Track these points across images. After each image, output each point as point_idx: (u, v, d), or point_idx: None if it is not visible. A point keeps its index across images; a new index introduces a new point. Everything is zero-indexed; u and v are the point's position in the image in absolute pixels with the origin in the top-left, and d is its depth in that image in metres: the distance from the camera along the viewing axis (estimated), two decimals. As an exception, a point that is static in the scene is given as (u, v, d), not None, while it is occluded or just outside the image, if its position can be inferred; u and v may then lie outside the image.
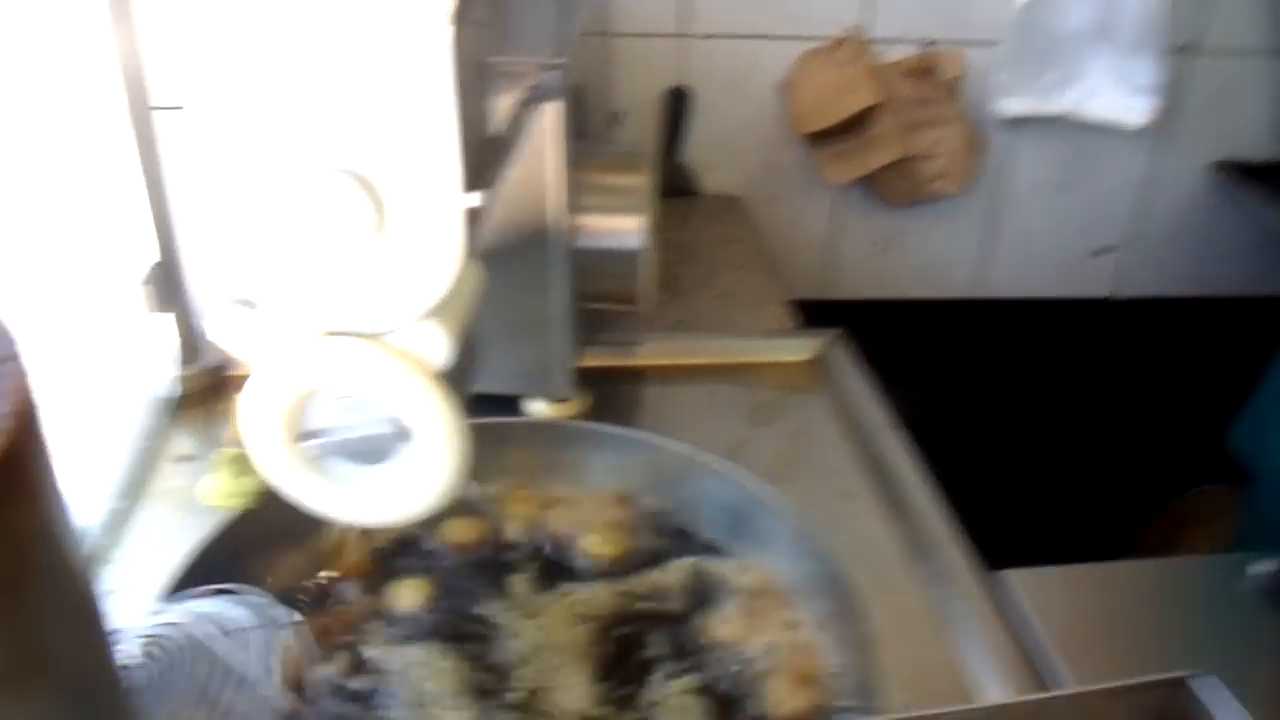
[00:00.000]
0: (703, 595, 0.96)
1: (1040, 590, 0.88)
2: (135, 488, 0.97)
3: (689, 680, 0.87)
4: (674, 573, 0.98)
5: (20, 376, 0.24)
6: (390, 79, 0.61)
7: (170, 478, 0.99)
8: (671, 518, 1.05)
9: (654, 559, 1.00)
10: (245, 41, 0.62)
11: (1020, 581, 0.89)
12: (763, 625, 0.93)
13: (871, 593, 0.88)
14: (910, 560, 0.93)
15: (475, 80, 0.69)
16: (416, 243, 0.65)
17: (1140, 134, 1.62)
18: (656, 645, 0.90)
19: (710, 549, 1.01)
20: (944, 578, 0.90)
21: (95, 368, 0.96)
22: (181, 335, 1.09)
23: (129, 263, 1.02)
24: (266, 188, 0.64)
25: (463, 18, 0.60)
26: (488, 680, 0.86)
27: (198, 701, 0.60)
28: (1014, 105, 1.56)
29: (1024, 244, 1.78)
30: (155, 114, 1.00)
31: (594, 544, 1.00)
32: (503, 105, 0.81)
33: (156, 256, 1.02)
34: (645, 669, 0.88)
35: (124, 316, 1.01)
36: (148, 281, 1.01)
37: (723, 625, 0.92)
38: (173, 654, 0.64)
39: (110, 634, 0.31)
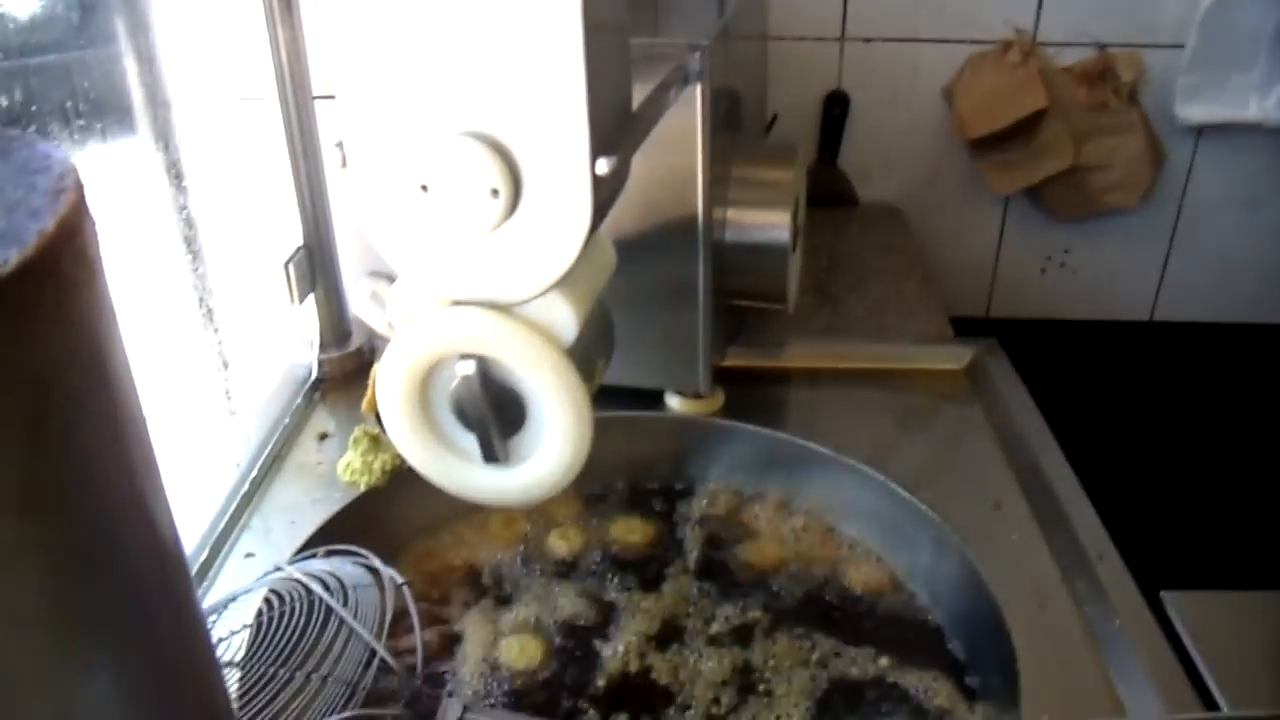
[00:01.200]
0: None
1: (1199, 613, 0.82)
2: (275, 461, 1.00)
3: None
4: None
5: (74, 205, 0.24)
6: (523, 44, 0.61)
7: (309, 453, 1.02)
8: (812, 521, 1.02)
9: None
10: (387, 14, 0.63)
11: (1179, 603, 0.83)
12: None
13: (1018, 605, 0.84)
14: (1062, 575, 0.88)
15: (613, 52, 0.68)
16: (546, 209, 0.65)
17: (1343, 144, 1.50)
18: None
19: (850, 552, 0.98)
20: (1097, 594, 0.84)
21: (244, 346, 0.99)
22: (327, 318, 1.12)
23: (277, 246, 1.05)
24: (404, 156, 0.65)
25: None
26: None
27: (309, 648, 0.61)
28: (1198, 112, 1.47)
29: (1210, 264, 1.67)
30: (314, 103, 1.04)
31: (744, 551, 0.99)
32: (644, 85, 0.81)
33: (301, 240, 1.05)
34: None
35: (272, 298, 1.05)
36: (293, 264, 1.04)
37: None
38: (289, 604, 0.65)
39: (164, 496, 0.30)
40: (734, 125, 1.09)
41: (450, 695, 0.62)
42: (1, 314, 0.22)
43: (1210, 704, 0.74)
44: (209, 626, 0.71)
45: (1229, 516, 1.68)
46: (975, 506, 0.95)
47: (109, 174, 0.82)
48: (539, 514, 1.02)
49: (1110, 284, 1.68)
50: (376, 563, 0.69)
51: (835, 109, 1.54)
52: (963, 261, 1.66)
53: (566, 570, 0.97)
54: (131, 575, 0.29)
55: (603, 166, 0.64)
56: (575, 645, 0.88)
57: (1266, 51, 1.41)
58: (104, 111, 0.79)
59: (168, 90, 0.87)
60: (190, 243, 0.90)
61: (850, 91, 1.54)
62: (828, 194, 1.58)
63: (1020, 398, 1.09)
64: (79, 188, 0.26)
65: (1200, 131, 1.53)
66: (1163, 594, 0.84)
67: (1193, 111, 1.47)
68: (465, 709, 0.60)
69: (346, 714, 0.59)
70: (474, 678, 0.82)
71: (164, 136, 0.87)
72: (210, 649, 0.39)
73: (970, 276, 1.68)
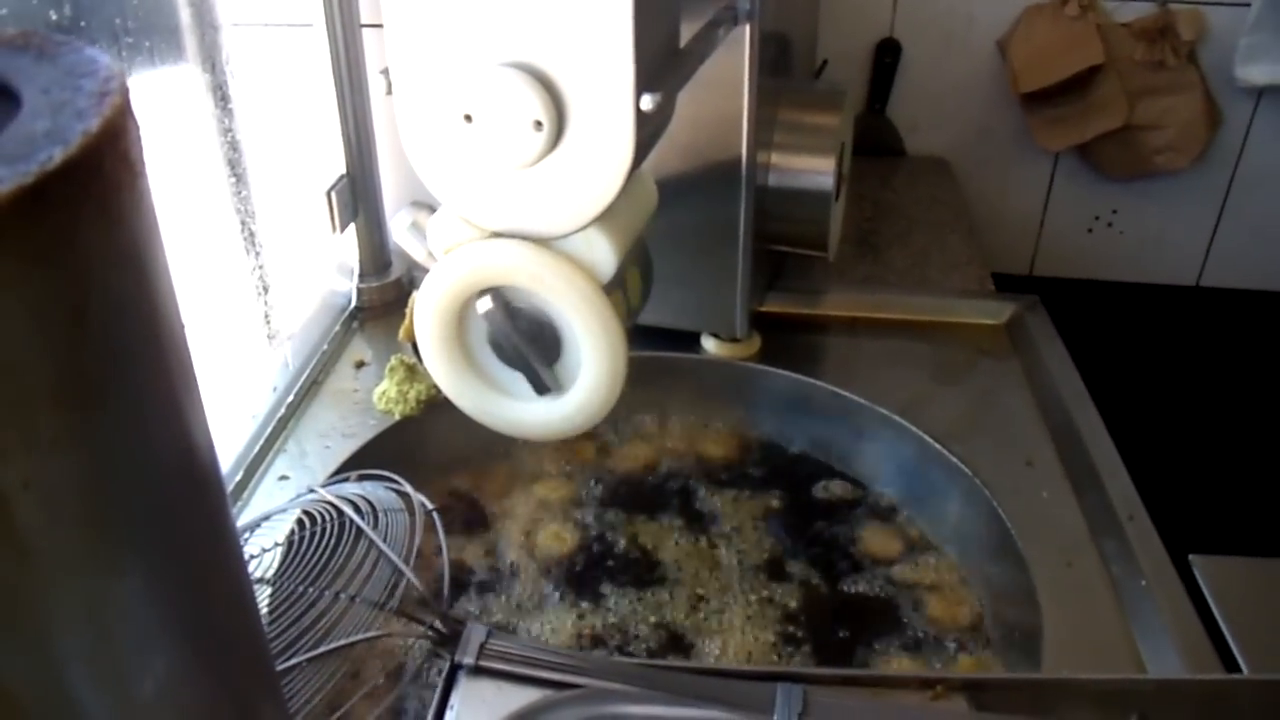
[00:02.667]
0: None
1: (1226, 578, 0.81)
2: (311, 387, 1.01)
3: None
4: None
5: (119, 108, 0.24)
6: (571, -26, 0.60)
7: (347, 380, 1.03)
8: (840, 468, 1.02)
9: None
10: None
11: (1206, 567, 0.82)
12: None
13: (1045, 561, 0.84)
14: (1091, 533, 0.87)
15: (661, -13, 0.68)
16: (589, 143, 0.64)
17: (1407, 113, 1.46)
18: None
19: (879, 504, 0.99)
20: (1125, 554, 0.84)
21: (284, 272, 1.00)
22: (368, 247, 1.12)
23: (320, 174, 1.06)
24: (449, 86, 0.65)
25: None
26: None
27: (339, 568, 0.62)
28: (1259, 73, 1.43)
29: (1262, 232, 1.64)
30: (362, 31, 1.04)
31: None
32: (693, 24, 0.80)
33: (344, 168, 1.06)
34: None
35: (313, 225, 1.05)
36: (335, 192, 1.04)
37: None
38: (320, 525, 0.66)
39: (200, 404, 0.31)
40: (782, 69, 1.08)
41: (474, 621, 0.63)
42: (45, 210, 0.22)
43: (1232, 667, 0.73)
44: (243, 544, 0.72)
45: (1262, 484, 1.67)
46: (1008, 462, 0.95)
47: (156, 95, 0.82)
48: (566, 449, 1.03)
49: (1157, 247, 1.66)
50: (408, 488, 0.70)
51: (886, 57, 1.52)
52: (1008, 217, 1.64)
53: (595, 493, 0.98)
54: (165, 477, 0.30)
55: (647, 103, 0.63)
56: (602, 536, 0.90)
57: (1334, 13, 1.37)
58: (152, 31, 0.79)
59: (216, 13, 0.87)
60: (234, 166, 0.90)
61: (902, 40, 1.52)
62: (875, 143, 1.56)
63: (1059, 356, 1.08)
64: (124, 91, 0.26)
65: (1260, 95, 1.50)
66: (1191, 557, 0.84)
67: (1254, 73, 1.43)
68: (489, 634, 0.61)
69: (371, 633, 0.60)
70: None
71: (211, 59, 0.87)
72: (241, 560, 0.40)
73: (1015, 233, 1.66)
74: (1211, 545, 0.87)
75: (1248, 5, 1.41)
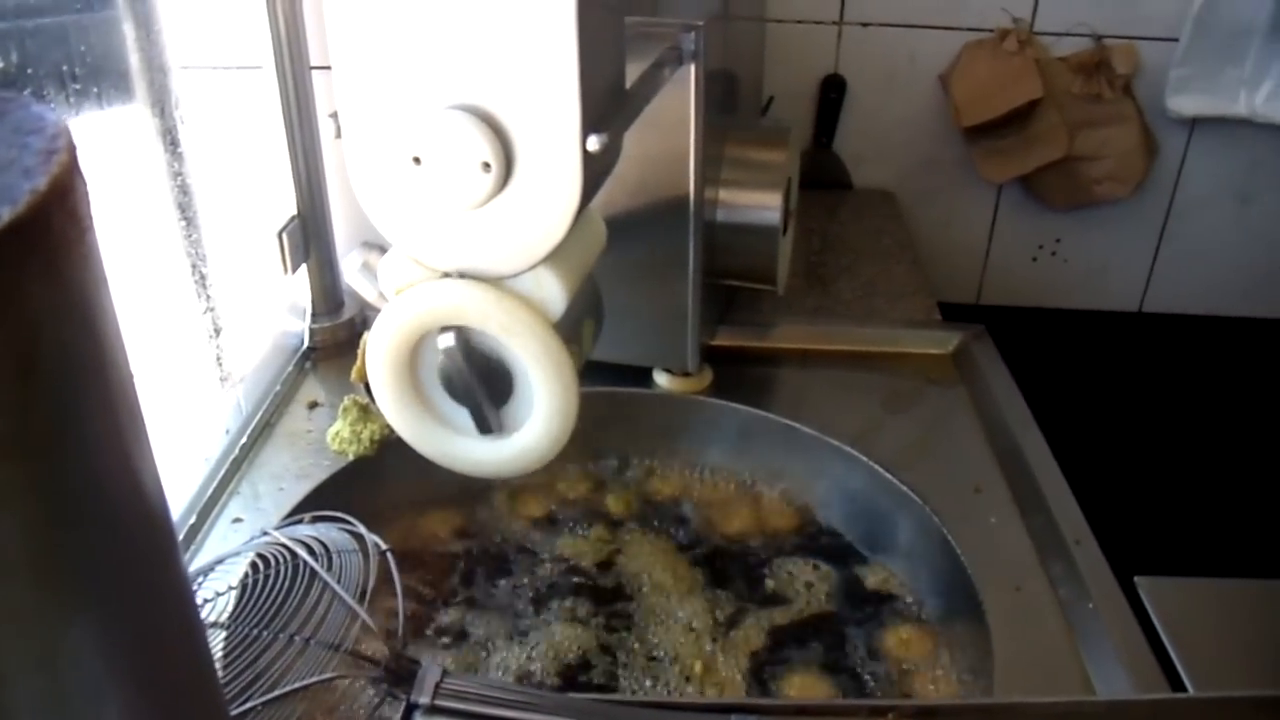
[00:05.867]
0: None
1: (1172, 599, 0.83)
2: (265, 429, 1.01)
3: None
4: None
5: (66, 166, 0.25)
6: (517, 19, 0.62)
7: (300, 421, 1.03)
8: (793, 500, 1.03)
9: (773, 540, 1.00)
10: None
11: (1152, 588, 0.84)
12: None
13: (994, 586, 0.85)
14: (1039, 557, 0.89)
15: (607, 29, 0.69)
16: (537, 184, 0.65)
17: (1334, 142, 1.51)
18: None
19: (830, 534, 1.00)
20: (1073, 577, 0.85)
21: (236, 314, 1.00)
22: (319, 288, 1.13)
23: (271, 215, 1.06)
24: (397, 128, 0.66)
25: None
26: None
27: (293, 611, 0.62)
28: (1189, 104, 1.47)
29: (1200, 257, 1.68)
30: (311, 73, 1.04)
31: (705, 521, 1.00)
32: (639, 64, 0.81)
33: (295, 209, 1.06)
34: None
35: (265, 267, 1.05)
36: (286, 233, 1.05)
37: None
38: (274, 567, 0.66)
39: (150, 453, 0.31)
40: (729, 106, 1.09)
41: (429, 661, 0.63)
42: (-6, 268, 0.23)
43: (1178, 686, 0.75)
44: (196, 588, 0.72)
45: (1206, 506, 1.70)
46: (956, 489, 0.96)
47: (104, 139, 0.82)
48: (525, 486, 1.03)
49: (1101, 274, 1.69)
50: (361, 529, 0.70)
51: (832, 93, 1.55)
52: (954, 248, 1.67)
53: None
54: (115, 526, 0.30)
55: (594, 143, 0.64)
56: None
57: (1258, 46, 1.42)
58: (101, 76, 0.79)
59: (165, 56, 0.87)
60: (184, 209, 0.90)
61: (847, 76, 1.55)
62: (822, 177, 1.58)
63: (1005, 383, 1.10)
64: (71, 149, 0.26)
65: (1193, 125, 1.54)
66: (1137, 579, 0.86)
67: (1184, 104, 1.48)
68: (444, 674, 0.61)
69: (327, 675, 0.60)
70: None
71: (160, 102, 0.87)
72: (193, 607, 0.40)
73: (962, 263, 1.69)
74: (1157, 566, 0.88)
75: (1176, 40, 1.45)
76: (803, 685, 0.85)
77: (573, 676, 0.84)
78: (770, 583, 0.94)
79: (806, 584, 0.94)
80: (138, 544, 0.32)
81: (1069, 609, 0.84)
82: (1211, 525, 1.65)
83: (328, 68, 0.67)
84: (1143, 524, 1.45)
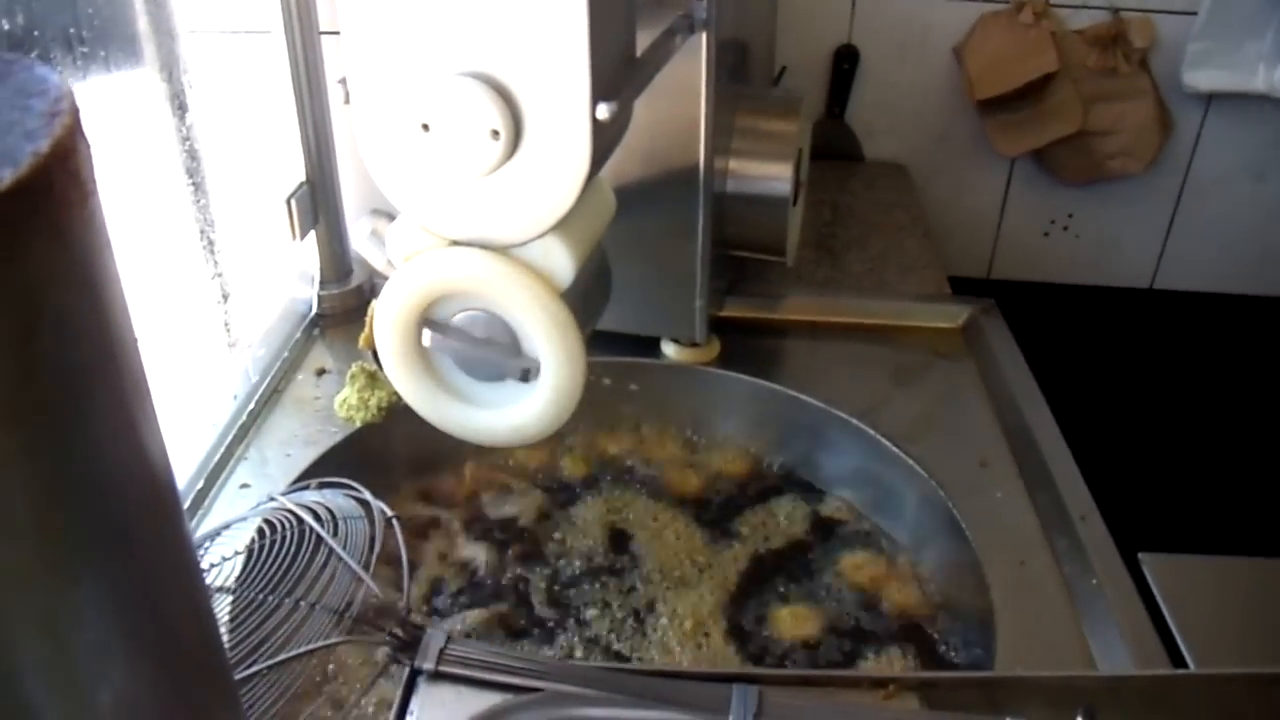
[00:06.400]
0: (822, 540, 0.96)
1: (1175, 576, 0.83)
2: (273, 395, 1.02)
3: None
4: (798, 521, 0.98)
5: (69, 128, 0.25)
6: (528, -14, 0.61)
7: (308, 388, 1.03)
8: (799, 472, 1.04)
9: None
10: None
11: (1155, 565, 0.84)
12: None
13: (998, 561, 0.85)
14: (1044, 533, 0.89)
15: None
16: (545, 152, 0.65)
17: (1353, 118, 1.49)
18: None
19: (837, 504, 1.00)
20: (1077, 553, 0.85)
21: (244, 280, 1.00)
22: (328, 255, 1.12)
23: (280, 181, 1.05)
24: (407, 95, 0.66)
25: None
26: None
27: (299, 576, 0.63)
28: (1206, 79, 1.46)
29: (1214, 235, 1.67)
30: (320, 38, 1.04)
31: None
32: (650, 32, 0.81)
33: (304, 175, 1.06)
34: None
35: (274, 233, 1.05)
36: (295, 199, 1.04)
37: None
38: (280, 533, 0.66)
39: (154, 418, 0.31)
40: (740, 76, 1.09)
41: (434, 627, 0.64)
42: (-4, 230, 0.23)
43: (1179, 663, 0.75)
44: (202, 553, 0.72)
45: (1212, 483, 1.70)
46: (962, 463, 0.96)
47: (112, 103, 0.82)
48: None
49: (1112, 250, 1.68)
50: (367, 495, 0.71)
51: (844, 64, 1.53)
52: (966, 221, 1.66)
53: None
54: (119, 491, 0.30)
55: (603, 111, 0.64)
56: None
57: (1278, 21, 1.40)
58: (108, 39, 0.79)
59: (173, 20, 0.87)
60: (192, 174, 0.90)
61: (860, 46, 1.54)
62: (833, 148, 1.57)
63: (1014, 358, 1.09)
64: (74, 111, 0.26)
65: (1209, 101, 1.53)
66: (1141, 556, 0.85)
67: (1200, 79, 1.46)
68: (449, 640, 0.62)
69: (332, 640, 0.61)
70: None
71: (168, 67, 0.87)
72: (198, 571, 0.40)
73: (973, 236, 1.68)
74: (1162, 543, 0.88)
75: (1195, 14, 1.44)
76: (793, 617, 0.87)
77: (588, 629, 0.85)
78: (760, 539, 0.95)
79: (802, 545, 0.95)
80: (142, 509, 0.32)
81: (1073, 584, 0.84)
82: (1217, 503, 1.65)
83: (337, 33, 0.66)
84: (1149, 501, 1.44)
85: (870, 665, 0.84)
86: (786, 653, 0.86)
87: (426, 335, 0.70)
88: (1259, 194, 1.62)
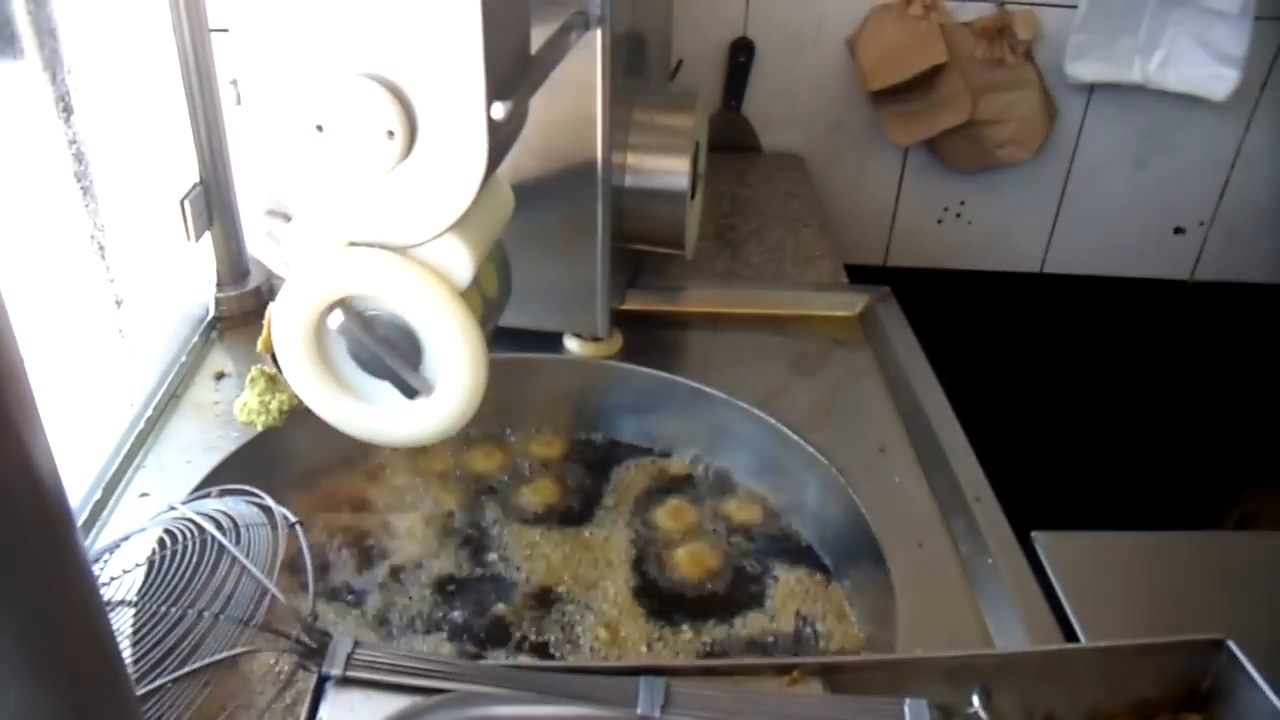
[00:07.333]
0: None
1: (1066, 553, 0.86)
2: (171, 400, 1.00)
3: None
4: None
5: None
6: (420, -13, 0.61)
7: (207, 392, 1.01)
8: (702, 462, 1.05)
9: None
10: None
11: (1048, 543, 0.87)
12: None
13: (898, 544, 0.88)
14: (941, 515, 0.92)
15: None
16: (442, 152, 0.65)
17: (1225, 106, 1.54)
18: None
19: (739, 494, 1.02)
20: (973, 534, 0.88)
21: (138, 284, 0.97)
22: (225, 256, 1.10)
23: (173, 182, 1.03)
24: (300, 95, 0.65)
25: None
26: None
27: (202, 586, 0.62)
28: (1087, 70, 1.51)
29: (1098, 219, 1.73)
30: (211, 36, 1.02)
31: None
32: (545, 29, 0.81)
33: (197, 176, 1.04)
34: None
35: (168, 235, 1.03)
36: (189, 200, 1.02)
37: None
38: (182, 542, 0.65)
39: (43, 436, 0.31)
40: (637, 70, 1.09)
41: (340, 633, 0.63)
42: None
43: (1072, 637, 0.78)
44: (101, 566, 0.71)
45: (1100, 461, 1.76)
46: (861, 449, 0.99)
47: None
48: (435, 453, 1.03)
49: (1003, 236, 1.73)
50: (269, 502, 0.70)
51: (740, 56, 1.55)
52: (862, 210, 1.69)
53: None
54: (7, 512, 0.30)
55: (498, 111, 0.64)
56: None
57: (1150, 15, 1.46)
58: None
59: (55, 19, 0.84)
60: (80, 178, 0.88)
61: (755, 39, 1.56)
62: (731, 140, 1.59)
63: (910, 345, 1.12)
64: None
65: (1091, 90, 1.58)
66: (1033, 534, 0.88)
67: (1082, 69, 1.52)
68: (356, 644, 0.61)
69: (237, 650, 0.60)
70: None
71: (52, 67, 0.84)
72: (94, 588, 0.40)
73: (869, 225, 1.71)
74: (1054, 521, 0.92)
75: (1075, 7, 1.48)
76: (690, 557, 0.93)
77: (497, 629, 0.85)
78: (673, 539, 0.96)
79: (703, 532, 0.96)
80: (32, 529, 0.31)
81: (969, 564, 0.86)
82: (1105, 480, 1.72)
83: (226, 30, 0.65)
84: (1041, 480, 1.49)
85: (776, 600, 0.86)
86: (696, 590, 0.91)
87: (335, 317, 0.70)
88: (1139, 179, 1.68)
